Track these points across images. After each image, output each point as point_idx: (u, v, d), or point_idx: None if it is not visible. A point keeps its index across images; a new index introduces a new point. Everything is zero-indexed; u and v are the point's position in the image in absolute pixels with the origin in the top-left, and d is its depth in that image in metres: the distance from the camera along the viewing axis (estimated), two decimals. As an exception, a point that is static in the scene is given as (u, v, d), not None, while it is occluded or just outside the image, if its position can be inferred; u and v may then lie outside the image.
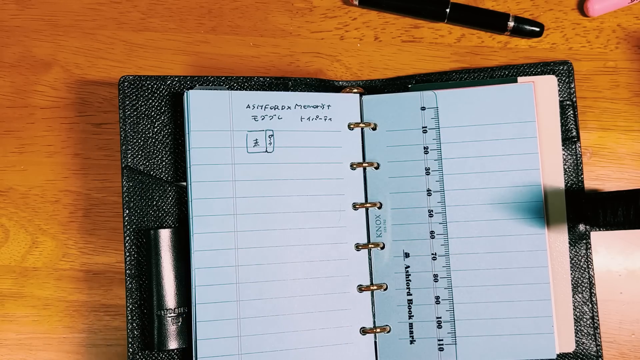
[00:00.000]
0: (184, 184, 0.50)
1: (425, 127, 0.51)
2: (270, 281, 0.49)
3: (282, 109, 0.50)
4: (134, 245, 0.49)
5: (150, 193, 0.50)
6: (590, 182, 0.54)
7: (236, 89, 0.52)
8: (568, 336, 0.50)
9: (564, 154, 0.52)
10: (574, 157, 0.52)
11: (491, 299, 0.49)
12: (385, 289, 0.51)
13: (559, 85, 0.52)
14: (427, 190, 0.51)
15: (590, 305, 0.51)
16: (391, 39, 0.56)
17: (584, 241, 0.51)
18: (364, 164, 0.51)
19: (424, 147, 0.51)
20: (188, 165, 0.48)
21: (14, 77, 0.55)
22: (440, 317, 0.50)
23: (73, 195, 0.54)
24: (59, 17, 0.56)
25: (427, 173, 0.51)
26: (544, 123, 0.51)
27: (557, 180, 0.51)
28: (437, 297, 0.50)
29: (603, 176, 0.55)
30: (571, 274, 0.51)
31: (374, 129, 0.52)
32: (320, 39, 0.56)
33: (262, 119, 0.50)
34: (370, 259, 0.51)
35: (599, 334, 0.51)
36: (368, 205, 0.51)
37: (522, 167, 0.50)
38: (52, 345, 0.53)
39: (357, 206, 0.51)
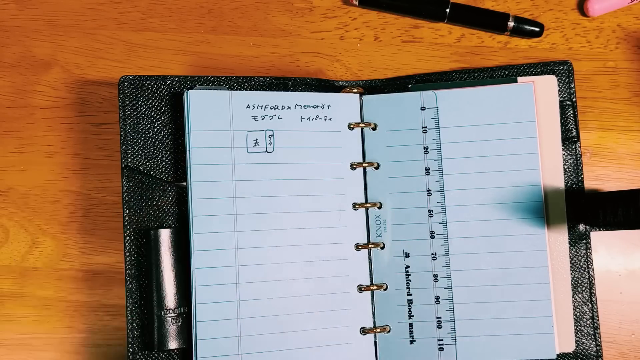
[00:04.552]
0: (184, 184, 0.50)
1: (425, 127, 0.51)
2: (270, 281, 0.49)
3: (282, 109, 0.50)
4: (134, 245, 0.49)
5: (150, 193, 0.50)
6: (590, 182, 0.54)
7: (236, 89, 0.52)
8: (568, 336, 0.50)
9: (564, 154, 0.52)
10: (574, 157, 0.52)
11: (491, 299, 0.50)
12: (385, 289, 0.51)
13: (559, 85, 0.52)
14: (427, 190, 0.51)
15: (590, 305, 0.51)
16: (391, 39, 0.56)
17: (584, 241, 0.51)
18: (364, 164, 0.51)
19: (424, 147, 0.51)
20: (188, 165, 0.48)
21: (14, 77, 0.55)
22: (440, 317, 0.50)
23: (73, 195, 0.54)
24: (59, 17, 0.56)
25: (427, 173, 0.51)
26: (544, 123, 0.51)
27: (557, 180, 0.51)
28: (437, 297, 0.50)
29: (603, 176, 0.55)
30: (571, 274, 0.51)
31: (374, 129, 0.52)
32: (320, 39, 0.56)
33: (262, 119, 0.50)
34: (370, 259, 0.51)
35: (599, 334, 0.51)
36: (368, 205, 0.51)
37: (522, 167, 0.50)
38: (52, 345, 0.53)
39: (357, 206, 0.51)
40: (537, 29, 0.55)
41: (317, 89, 0.53)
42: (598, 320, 0.51)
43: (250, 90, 0.52)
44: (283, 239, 0.49)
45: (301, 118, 0.51)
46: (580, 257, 0.51)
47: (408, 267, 0.50)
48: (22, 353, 0.53)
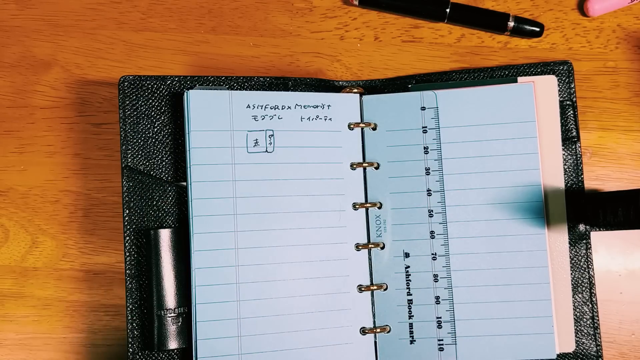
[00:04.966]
0: (184, 184, 0.50)
1: (426, 127, 0.51)
2: (270, 281, 0.49)
3: (282, 109, 0.50)
4: (134, 245, 0.49)
5: (150, 193, 0.50)
6: (590, 182, 0.54)
7: (236, 89, 0.52)
8: (568, 336, 0.50)
9: (564, 154, 0.52)
10: (574, 157, 0.52)
11: (491, 299, 0.50)
12: (385, 289, 0.51)
13: (559, 85, 0.52)
14: (427, 190, 0.51)
15: (590, 305, 0.51)
16: (391, 39, 0.56)
17: (584, 241, 0.51)
18: (364, 164, 0.51)
19: (424, 147, 0.51)
20: (188, 165, 0.48)
21: (14, 77, 0.55)
22: (440, 317, 0.50)
23: (73, 195, 0.54)
24: (59, 17, 0.56)
25: (427, 173, 0.51)
26: (544, 123, 0.51)
27: (557, 180, 0.51)
28: (437, 297, 0.50)
29: (603, 176, 0.55)
30: (571, 274, 0.51)
31: (374, 129, 0.52)
32: (320, 39, 0.56)
33: (262, 119, 0.50)
34: (370, 259, 0.51)
35: (599, 334, 0.51)
36: (368, 205, 0.51)
37: (522, 167, 0.50)
38: (52, 345, 0.53)
39: (357, 206, 0.51)
40: (537, 29, 0.55)
41: (317, 89, 0.53)
42: (598, 320, 0.51)
43: (250, 90, 0.52)
44: (283, 239, 0.49)
45: (301, 118, 0.51)
46: (580, 257, 0.51)
47: (408, 267, 0.50)
48: (22, 353, 0.53)
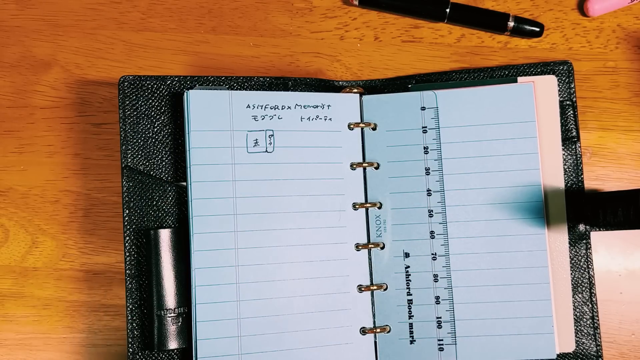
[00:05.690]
0: (184, 184, 0.50)
1: (425, 127, 0.51)
2: (270, 281, 0.49)
3: (282, 109, 0.50)
4: (134, 245, 0.49)
5: (150, 193, 0.50)
6: (590, 182, 0.54)
7: (236, 89, 0.52)
8: (568, 336, 0.50)
9: (564, 154, 0.52)
10: (574, 157, 0.52)
11: (491, 299, 0.50)
12: (385, 289, 0.51)
13: (559, 85, 0.52)
14: (427, 190, 0.51)
15: (590, 305, 0.51)
16: (391, 39, 0.56)
17: (584, 241, 0.51)
18: (364, 164, 0.51)
19: (424, 147, 0.51)
20: (188, 165, 0.48)
21: (14, 77, 0.55)
22: (440, 317, 0.50)
23: (73, 195, 0.54)
24: (59, 17, 0.56)
25: (427, 173, 0.51)
26: (544, 123, 0.51)
27: (557, 180, 0.51)
28: (437, 297, 0.50)
29: (603, 176, 0.55)
30: (571, 274, 0.51)
31: (374, 129, 0.52)
32: (320, 39, 0.56)
33: (262, 119, 0.50)
34: (370, 259, 0.51)
35: (599, 334, 0.51)
36: (368, 205, 0.51)
37: (522, 167, 0.50)
38: (52, 345, 0.53)
39: (357, 206, 0.51)
40: (537, 29, 0.55)
41: (317, 89, 0.53)
42: (598, 320, 0.51)
43: (250, 90, 0.52)
44: (283, 239, 0.49)
45: (301, 118, 0.51)
46: (580, 257, 0.51)
47: (408, 267, 0.50)
48: (22, 353, 0.53)
